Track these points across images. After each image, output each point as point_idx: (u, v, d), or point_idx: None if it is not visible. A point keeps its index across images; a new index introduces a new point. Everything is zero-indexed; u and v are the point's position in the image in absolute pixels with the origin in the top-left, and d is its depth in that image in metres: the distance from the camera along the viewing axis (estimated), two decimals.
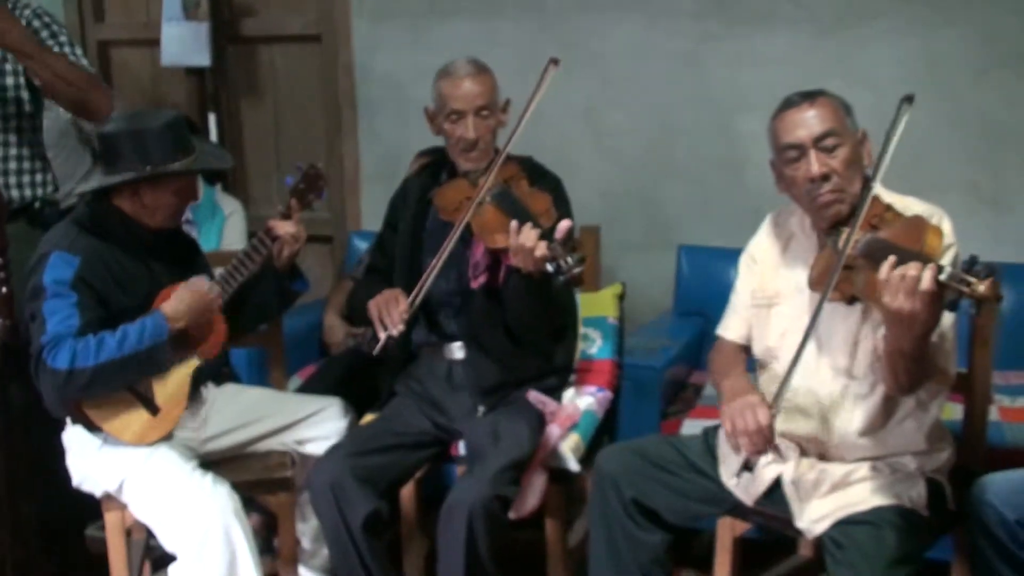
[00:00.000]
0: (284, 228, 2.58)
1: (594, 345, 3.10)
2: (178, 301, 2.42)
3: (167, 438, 2.49)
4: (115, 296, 2.42)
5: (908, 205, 2.16)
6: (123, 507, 2.50)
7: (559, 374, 2.82)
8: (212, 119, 4.46)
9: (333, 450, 2.58)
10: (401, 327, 2.53)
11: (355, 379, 3.17)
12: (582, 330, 3.04)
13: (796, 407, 2.25)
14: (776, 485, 2.28)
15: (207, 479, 2.42)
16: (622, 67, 3.74)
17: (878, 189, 2.19)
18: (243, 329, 2.67)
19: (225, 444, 2.67)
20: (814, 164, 2.13)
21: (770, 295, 2.35)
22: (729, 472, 2.34)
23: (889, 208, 2.11)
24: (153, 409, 2.45)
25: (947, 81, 3.35)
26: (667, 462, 2.37)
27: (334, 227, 4.32)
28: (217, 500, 2.38)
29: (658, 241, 3.76)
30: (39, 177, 3.05)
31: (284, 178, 2.70)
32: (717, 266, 3.39)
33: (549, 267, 2.31)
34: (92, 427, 2.43)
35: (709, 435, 2.45)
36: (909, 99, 2.10)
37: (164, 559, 2.52)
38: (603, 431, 2.93)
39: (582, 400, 2.86)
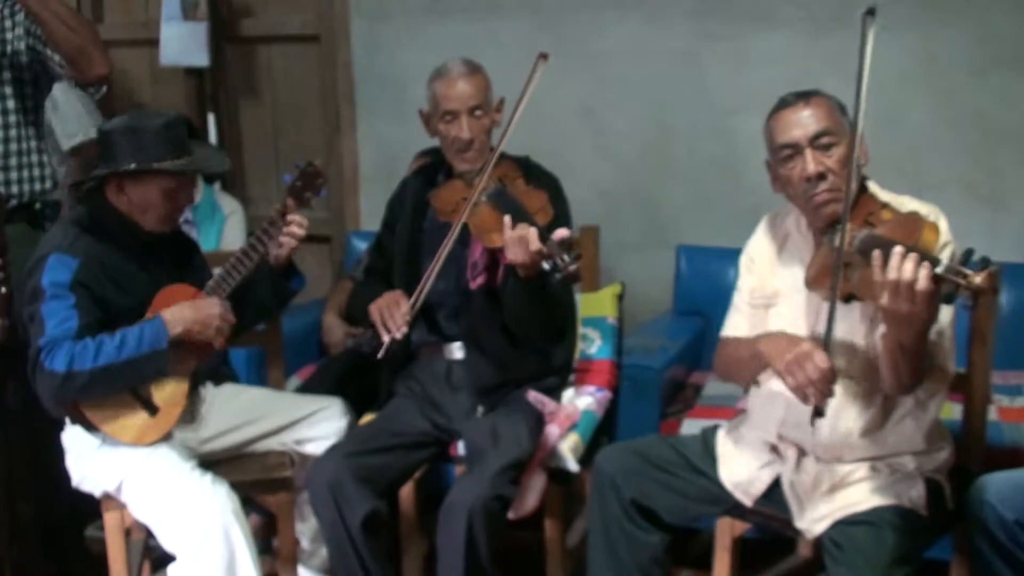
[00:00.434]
0: (297, 219, 2.57)
1: (593, 345, 3.10)
2: (180, 311, 2.42)
3: (166, 438, 2.49)
4: (113, 298, 2.42)
5: (904, 204, 2.16)
6: (122, 507, 2.50)
7: (558, 374, 2.82)
8: (211, 119, 4.46)
9: (332, 450, 2.58)
10: (404, 330, 2.55)
11: (354, 379, 3.17)
12: (581, 330, 3.05)
13: (795, 407, 2.24)
14: (775, 485, 2.29)
15: (206, 479, 2.42)
16: (620, 67, 3.74)
17: (873, 187, 2.19)
18: (241, 328, 2.67)
19: (224, 444, 2.67)
20: (810, 163, 2.13)
21: (768, 295, 2.35)
22: (727, 473, 2.35)
23: (885, 205, 2.11)
24: (151, 409, 2.45)
25: (945, 80, 3.35)
26: (666, 462, 2.37)
27: (333, 227, 4.31)
28: (216, 500, 2.38)
29: (657, 241, 3.76)
30: (38, 172, 3.05)
31: (283, 177, 2.69)
32: (716, 266, 3.40)
33: (545, 265, 2.31)
34: (90, 427, 2.43)
35: (708, 435, 2.45)
36: (871, 12, 2.07)
37: (163, 559, 2.52)
38: (602, 431, 2.93)
39: (581, 400, 2.86)
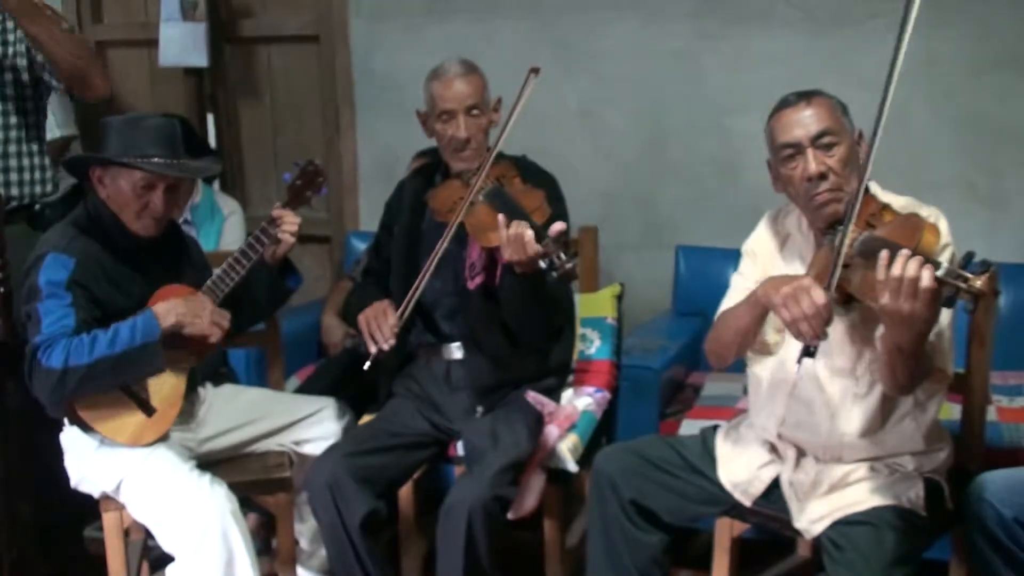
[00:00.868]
0: (289, 218, 2.57)
1: (592, 345, 3.10)
2: (170, 304, 2.42)
3: (163, 438, 2.49)
4: (110, 297, 2.42)
5: (905, 205, 2.16)
6: (121, 507, 2.50)
7: (557, 374, 2.82)
8: (210, 119, 4.46)
9: (331, 450, 2.58)
10: (392, 341, 2.54)
11: (353, 379, 3.15)
12: (580, 330, 3.05)
13: (794, 407, 2.25)
14: (774, 485, 2.29)
15: (205, 479, 2.42)
16: (618, 67, 3.74)
17: (875, 188, 2.19)
18: (239, 328, 2.67)
19: (223, 444, 2.67)
20: (811, 163, 2.13)
21: None
22: (726, 473, 2.35)
23: (886, 207, 2.11)
24: (148, 410, 2.45)
25: (944, 80, 3.35)
26: (665, 462, 2.37)
27: (332, 227, 4.32)
28: (215, 500, 2.38)
29: (656, 241, 3.76)
30: (39, 175, 3.05)
31: (283, 175, 2.70)
32: (715, 266, 3.39)
33: (542, 263, 2.31)
34: (87, 429, 2.43)
35: (707, 436, 2.45)
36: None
37: (162, 559, 2.52)
38: (601, 432, 2.93)
39: (580, 400, 2.86)
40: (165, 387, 2.48)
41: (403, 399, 2.74)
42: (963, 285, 1.75)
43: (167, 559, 2.42)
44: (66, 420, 2.49)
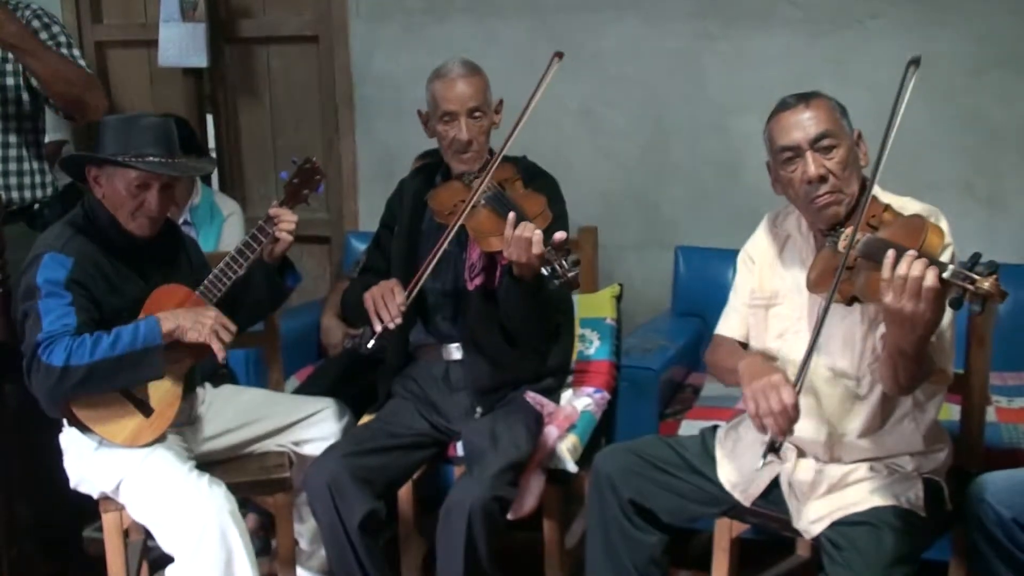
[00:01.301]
0: (286, 216, 2.56)
1: (592, 346, 3.10)
2: (174, 312, 2.42)
3: (161, 439, 2.49)
4: (107, 298, 2.42)
5: (905, 205, 2.16)
6: (120, 508, 2.49)
7: (556, 375, 2.82)
8: (209, 120, 4.47)
9: (330, 450, 2.58)
10: (398, 320, 2.50)
11: (352, 380, 3.17)
12: (580, 331, 3.05)
13: None
14: (774, 485, 2.29)
15: (204, 480, 2.42)
16: (619, 67, 3.74)
17: (876, 189, 2.19)
18: (238, 328, 2.66)
19: (222, 445, 2.67)
20: (811, 165, 2.13)
21: (768, 296, 2.35)
22: (725, 473, 2.35)
23: (887, 208, 2.10)
24: (146, 410, 2.45)
25: (943, 81, 3.35)
26: (665, 463, 2.37)
27: (331, 227, 4.32)
28: (214, 501, 2.37)
29: (655, 242, 3.76)
30: (39, 179, 3.05)
31: (280, 173, 2.69)
32: (714, 267, 3.40)
33: (544, 270, 2.30)
34: (85, 429, 2.42)
35: (707, 436, 2.45)
36: (916, 62, 2.07)
37: (162, 560, 2.52)
38: (600, 432, 2.93)
39: (580, 401, 2.86)
40: (162, 388, 2.48)
41: (402, 400, 2.74)
42: (970, 287, 1.75)
43: (167, 559, 2.42)
44: (65, 421, 2.49)
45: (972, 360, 2.38)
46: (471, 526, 2.37)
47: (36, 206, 3.05)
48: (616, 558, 2.34)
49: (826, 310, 2.04)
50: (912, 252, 1.84)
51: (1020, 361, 2.44)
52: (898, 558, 2.04)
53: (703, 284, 3.45)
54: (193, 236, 3.37)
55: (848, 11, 3.46)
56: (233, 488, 2.46)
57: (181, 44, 4.23)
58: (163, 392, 2.48)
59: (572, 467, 2.65)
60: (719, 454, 2.39)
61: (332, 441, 2.67)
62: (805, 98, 2.18)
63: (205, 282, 2.52)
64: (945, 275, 1.79)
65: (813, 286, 2.15)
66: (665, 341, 3.24)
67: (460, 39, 3.87)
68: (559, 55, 2.60)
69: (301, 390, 3.18)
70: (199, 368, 2.65)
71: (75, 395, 2.36)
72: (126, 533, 2.60)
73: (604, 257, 3.43)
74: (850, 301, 2.06)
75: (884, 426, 2.21)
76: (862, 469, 2.21)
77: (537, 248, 2.29)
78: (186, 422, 2.62)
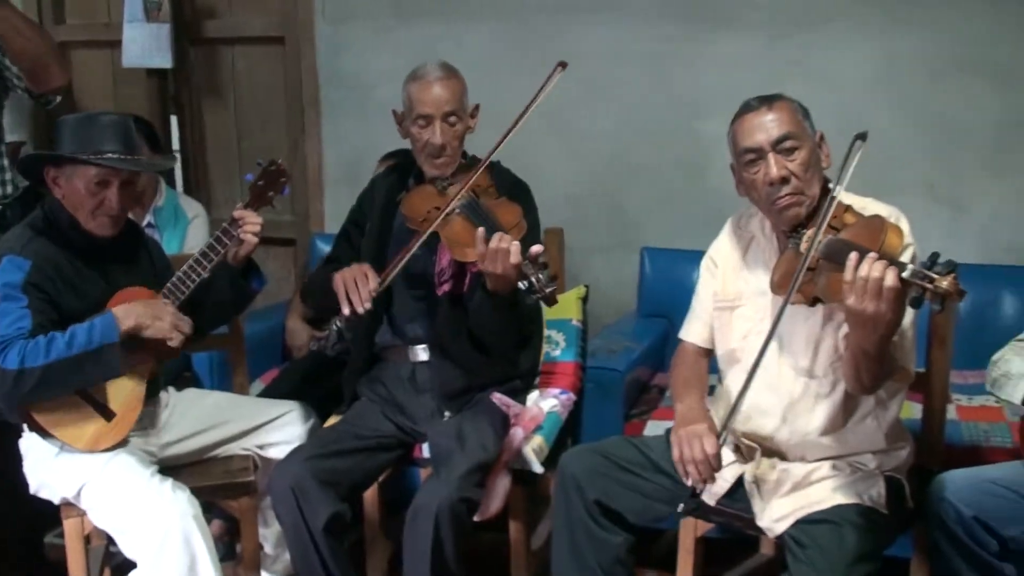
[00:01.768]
0: (251, 219, 2.53)
1: (558, 347, 3.10)
2: (130, 306, 2.40)
3: (123, 443, 2.46)
4: (67, 300, 2.39)
5: (866, 206, 2.18)
6: (82, 514, 2.47)
7: (524, 378, 2.82)
8: (174, 121, 4.43)
9: (294, 452, 2.56)
10: (368, 305, 2.46)
11: (318, 382, 3.15)
12: (546, 332, 3.05)
13: (757, 407, 2.27)
14: (738, 485, 2.30)
15: (166, 484, 2.40)
16: (585, 70, 3.73)
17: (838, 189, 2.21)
18: (202, 330, 2.65)
19: (186, 449, 2.65)
20: (772, 167, 2.14)
21: (732, 298, 2.36)
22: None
23: (848, 209, 2.12)
24: (107, 415, 2.43)
25: (904, 82, 3.39)
26: (630, 463, 2.38)
27: (297, 229, 4.30)
28: (176, 505, 2.35)
29: (621, 243, 3.77)
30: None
31: (244, 176, 2.67)
32: (680, 268, 3.41)
33: (521, 284, 2.29)
34: (45, 434, 2.40)
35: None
36: (862, 136, 2.10)
37: (124, 566, 2.49)
38: (566, 433, 2.93)
39: (546, 402, 2.86)
40: (124, 391, 2.46)
41: (368, 402, 2.73)
42: (929, 286, 1.76)
43: (129, 565, 2.40)
44: (24, 426, 2.46)
45: (933, 359, 2.41)
46: (438, 527, 2.37)
47: None
48: (582, 558, 2.34)
49: (781, 311, 2.06)
50: (873, 254, 1.86)
51: (980, 359, 2.46)
52: (860, 556, 2.05)
53: (669, 285, 3.46)
54: (157, 238, 3.35)
55: (812, 14, 3.49)
56: (197, 492, 2.44)
57: (145, 44, 4.20)
58: (125, 396, 2.46)
59: (538, 468, 2.65)
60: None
61: (297, 444, 2.66)
62: (768, 100, 2.20)
63: (169, 284, 2.50)
64: (905, 275, 1.81)
65: (776, 288, 2.17)
66: (630, 342, 3.25)
67: (427, 41, 3.87)
68: (563, 65, 2.57)
69: (266, 393, 3.16)
70: (162, 372, 2.63)
71: (34, 398, 2.33)
72: (88, 539, 2.57)
73: (570, 259, 3.44)
74: (813, 302, 2.08)
75: (847, 424, 2.23)
76: (825, 467, 2.23)
77: (515, 258, 2.27)
78: (149, 426, 2.59)
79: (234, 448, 2.71)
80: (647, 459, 2.40)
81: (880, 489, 2.19)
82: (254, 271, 2.68)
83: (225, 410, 2.74)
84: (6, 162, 3.06)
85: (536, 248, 2.29)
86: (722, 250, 2.42)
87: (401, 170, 2.83)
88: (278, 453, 2.67)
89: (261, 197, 2.59)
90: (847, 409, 2.23)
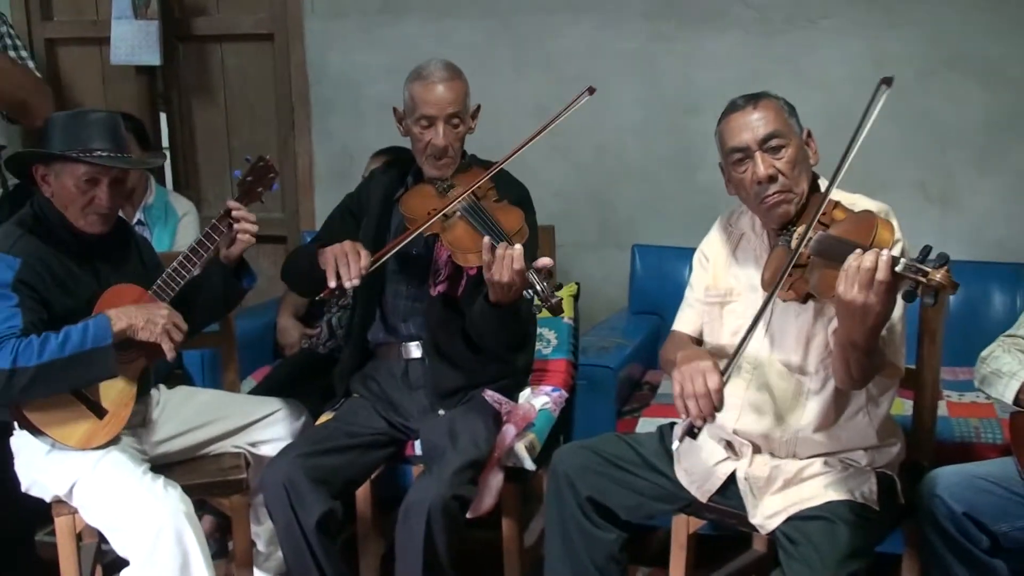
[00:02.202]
0: (247, 217, 2.52)
1: (549, 345, 3.11)
2: (125, 309, 2.38)
3: (115, 441, 2.46)
4: (57, 298, 2.38)
5: (855, 202, 2.18)
6: (74, 512, 2.46)
7: (517, 376, 2.82)
8: (163, 118, 4.42)
9: (286, 450, 2.55)
10: (356, 281, 2.41)
11: (309, 380, 3.15)
12: (537, 330, 3.05)
13: (749, 404, 2.27)
14: (730, 482, 2.31)
15: (158, 482, 2.39)
16: (574, 67, 3.75)
17: (825, 185, 2.21)
18: (194, 328, 2.64)
19: (178, 447, 2.65)
20: (760, 166, 2.15)
21: (722, 293, 2.37)
22: (683, 470, 2.36)
23: (838, 205, 2.12)
24: (99, 412, 2.42)
25: (894, 81, 3.39)
26: (622, 460, 2.38)
27: (287, 227, 4.30)
28: (168, 503, 2.35)
29: (612, 240, 3.78)
30: None
31: (233, 172, 2.65)
32: (671, 265, 3.42)
33: (527, 294, 2.28)
34: (37, 432, 2.39)
35: (664, 433, 2.47)
36: (888, 81, 2.09)
37: (116, 564, 2.49)
38: (559, 430, 2.94)
39: (538, 399, 2.87)
40: (116, 389, 2.45)
41: (361, 399, 2.73)
42: (923, 279, 1.76)
43: (121, 563, 2.39)
44: (16, 424, 2.45)
45: (924, 355, 2.41)
46: (430, 525, 2.37)
47: None
48: (575, 556, 2.35)
49: (765, 304, 2.06)
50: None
51: (971, 356, 2.47)
52: (852, 552, 2.06)
53: (659, 282, 3.48)
54: (147, 236, 3.34)
55: (801, 12, 3.50)
56: (189, 490, 2.44)
57: (134, 42, 4.18)
58: (116, 394, 2.45)
59: (530, 465, 2.65)
60: (677, 450, 2.40)
61: (289, 442, 2.66)
62: (753, 99, 2.20)
63: (159, 281, 2.49)
64: (898, 268, 1.81)
65: (767, 285, 2.17)
66: (622, 339, 3.26)
67: (416, 38, 3.87)
68: (591, 90, 2.54)
69: (257, 391, 3.16)
70: (153, 369, 2.62)
71: (26, 397, 2.32)
72: (79, 537, 2.56)
73: (561, 256, 3.44)
74: (805, 299, 2.08)
75: (838, 421, 2.24)
76: (817, 464, 2.23)
77: (519, 264, 2.25)
78: (140, 424, 2.59)
79: (226, 446, 2.71)
80: (639, 456, 2.40)
81: (871, 485, 2.20)
82: (245, 269, 2.67)
83: (216, 408, 2.73)
84: None
85: (544, 261, 2.28)
86: (713, 245, 2.43)
87: (400, 167, 2.81)
88: (270, 450, 2.67)
89: (250, 193, 2.58)
90: (838, 406, 2.23)
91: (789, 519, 2.16)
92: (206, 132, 4.43)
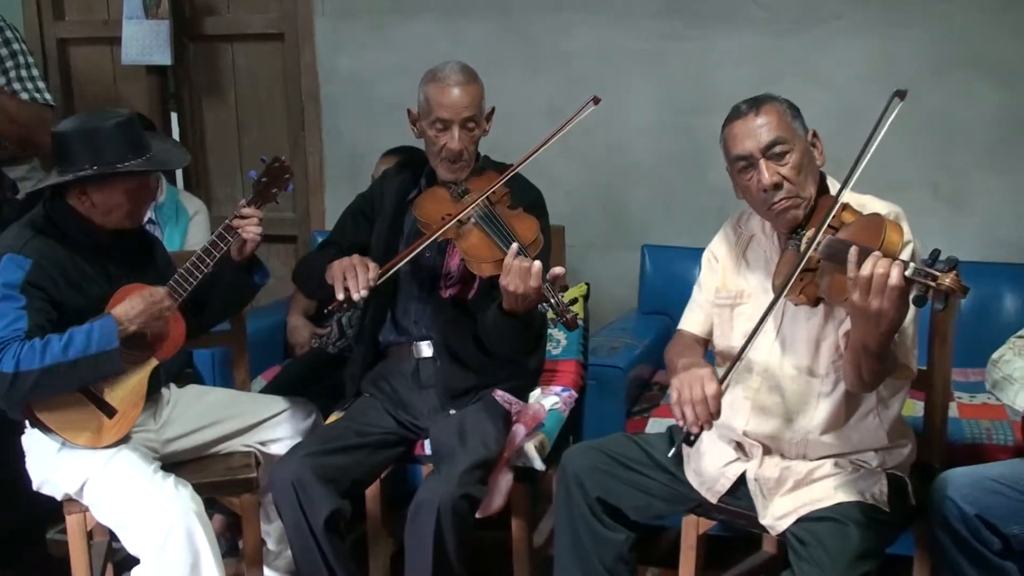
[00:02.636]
0: (249, 223, 2.52)
1: (559, 345, 3.11)
2: (130, 306, 2.39)
3: (125, 440, 2.46)
4: (69, 298, 2.38)
5: (865, 203, 2.17)
6: (84, 510, 2.47)
7: (528, 377, 2.82)
8: (174, 118, 4.44)
9: (295, 449, 2.56)
10: (364, 293, 2.40)
11: (319, 379, 3.16)
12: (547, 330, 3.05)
13: (760, 406, 2.27)
14: (740, 482, 2.30)
15: (169, 481, 2.40)
16: (586, 67, 3.75)
17: (836, 187, 2.20)
18: (207, 326, 2.65)
19: (188, 445, 2.65)
20: (764, 174, 2.14)
21: (733, 295, 2.36)
22: (692, 471, 2.36)
23: (847, 207, 2.12)
24: (109, 411, 2.42)
25: (905, 81, 3.31)
26: (632, 460, 2.38)
27: (297, 227, 4.30)
28: (179, 502, 2.36)
29: (622, 241, 3.78)
30: None
31: (248, 173, 2.65)
32: (680, 265, 3.41)
33: (542, 307, 2.27)
34: (47, 431, 2.39)
35: (674, 433, 2.46)
36: (901, 94, 2.08)
37: (127, 562, 2.50)
38: (568, 430, 2.94)
39: (547, 400, 2.87)
40: (126, 388, 2.45)
41: (371, 398, 2.73)
42: (932, 284, 1.76)
43: (132, 561, 2.40)
44: (27, 423, 2.46)
45: (935, 356, 2.41)
46: (440, 524, 2.37)
47: None
48: (584, 556, 2.35)
49: (769, 309, 2.06)
50: (876, 253, 1.86)
51: (982, 357, 2.46)
52: (863, 553, 2.06)
53: (669, 283, 3.47)
54: (157, 235, 3.35)
55: (812, 12, 3.49)
56: (199, 488, 2.45)
57: (145, 42, 4.20)
58: (127, 392, 2.46)
59: (540, 465, 2.65)
60: (686, 451, 2.40)
61: (298, 440, 2.66)
62: (755, 104, 2.18)
63: (171, 281, 2.49)
64: (907, 273, 1.81)
65: (778, 290, 2.16)
66: (632, 340, 3.26)
67: (426, 38, 3.87)
68: (596, 100, 2.54)
69: (267, 390, 3.17)
70: (164, 368, 2.63)
71: (32, 398, 2.33)
72: (90, 535, 2.57)
73: (571, 256, 3.44)
74: (816, 302, 2.08)
75: (849, 422, 2.23)
76: (827, 465, 2.23)
77: (535, 281, 2.25)
78: (150, 422, 2.59)
79: (236, 444, 2.71)
80: (649, 456, 2.40)
81: (882, 487, 2.20)
82: (257, 266, 2.67)
83: (226, 406, 2.74)
84: None
85: (557, 270, 2.28)
86: (723, 247, 2.42)
87: (413, 169, 2.80)
88: (279, 449, 2.68)
89: (265, 194, 2.58)
90: (849, 407, 2.23)
91: (799, 520, 2.16)
92: (216, 132, 4.44)
